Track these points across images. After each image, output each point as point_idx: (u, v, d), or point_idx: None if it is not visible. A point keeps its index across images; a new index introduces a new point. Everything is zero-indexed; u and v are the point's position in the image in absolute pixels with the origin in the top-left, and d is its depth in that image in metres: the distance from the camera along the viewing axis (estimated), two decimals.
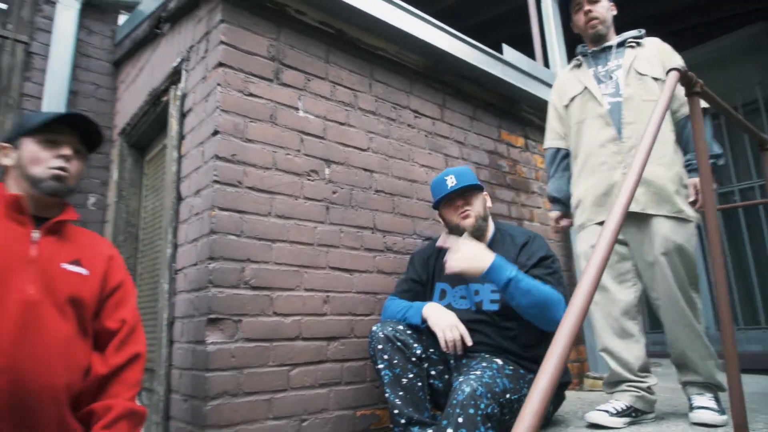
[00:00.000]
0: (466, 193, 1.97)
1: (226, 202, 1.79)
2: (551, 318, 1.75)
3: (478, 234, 1.98)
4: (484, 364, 1.72)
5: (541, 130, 3.24)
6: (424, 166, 2.48)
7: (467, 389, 1.56)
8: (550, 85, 3.15)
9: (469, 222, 1.96)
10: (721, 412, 1.81)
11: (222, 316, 1.72)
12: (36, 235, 1.31)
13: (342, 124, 2.18)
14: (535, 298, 1.75)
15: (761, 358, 3.68)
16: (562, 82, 2.31)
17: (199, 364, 1.69)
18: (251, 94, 1.92)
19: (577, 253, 2.29)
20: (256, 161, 1.89)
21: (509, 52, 2.93)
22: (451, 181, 1.95)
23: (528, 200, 3.02)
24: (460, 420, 1.52)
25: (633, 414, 1.93)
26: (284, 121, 1.99)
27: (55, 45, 2.83)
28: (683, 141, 2.05)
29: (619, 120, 2.02)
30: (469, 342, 1.82)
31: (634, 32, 2.15)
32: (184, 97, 2.08)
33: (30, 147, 1.34)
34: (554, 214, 2.32)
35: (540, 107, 3.19)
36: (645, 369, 1.99)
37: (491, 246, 1.99)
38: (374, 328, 1.90)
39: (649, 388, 1.97)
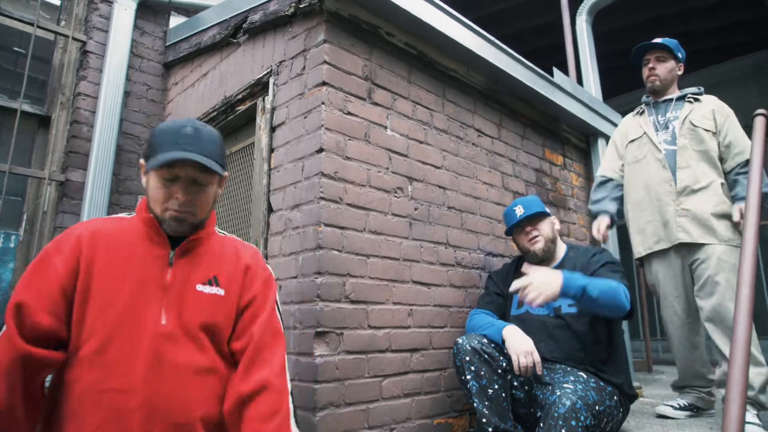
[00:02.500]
0: (534, 219, 2.14)
1: (330, 218, 1.85)
2: (619, 304, 1.88)
3: (547, 256, 2.14)
4: (572, 378, 1.84)
5: (576, 149, 3.41)
6: (486, 184, 2.58)
7: (568, 403, 1.67)
8: (586, 105, 3.30)
9: (538, 246, 2.14)
10: (764, 427, 1.99)
11: (328, 329, 1.78)
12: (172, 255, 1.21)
13: (421, 142, 2.26)
14: (605, 289, 1.86)
15: None
16: (625, 126, 2.63)
17: (307, 376, 1.74)
18: (349, 113, 1.98)
19: (652, 281, 2.50)
20: (354, 178, 1.95)
21: (558, 75, 3.06)
22: (519, 211, 2.15)
23: (566, 216, 3.16)
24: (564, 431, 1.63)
25: (694, 410, 2.34)
26: (376, 139, 2.06)
27: (112, 45, 2.81)
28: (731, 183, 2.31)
29: (674, 165, 2.33)
30: (540, 372, 1.88)
31: (694, 89, 2.45)
32: (273, 110, 2.12)
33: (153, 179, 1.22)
34: (605, 220, 2.50)
35: (576, 126, 3.34)
36: (708, 376, 2.35)
37: (563, 263, 2.14)
38: (460, 340, 2.00)
39: (709, 392, 2.34)
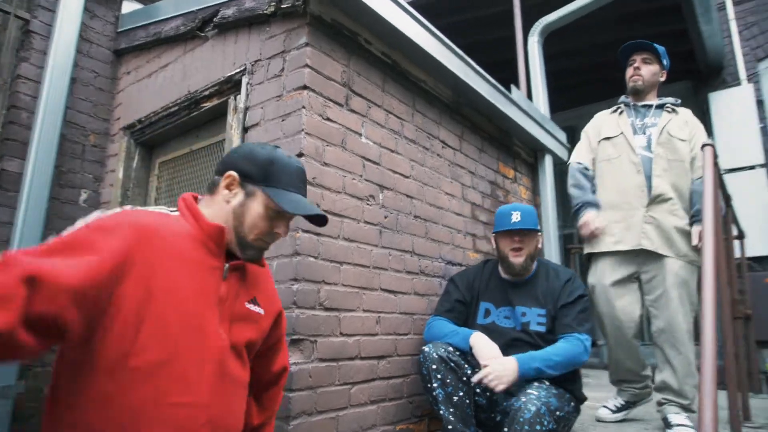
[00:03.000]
0: (524, 232, 2.18)
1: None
2: (576, 366, 2.04)
3: (522, 272, 2.21)
4: (536, 384, 1.93)
5: (525, 163, 3.56)
6: (448, 194, 2.64)
7: (533, 408, 1.76)
8: (537, 122, 3.46)
9: (518, 260, 2.19)
10: (696, 429, 2.19)
11: (302, 337, 1.76)
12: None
13: (392, 151, 2.28)
14: (562, 361, 1.98)
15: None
16: (599, 122, 2.66)
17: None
18: (328, 119, 1.97)
19: (594, 281, 2.53)
20: (330, 185, 1.94)
21: (515, 92, 3.19)
22: (515, 217, 2.16)
23: None
24: None
25: (631, 405, 2.51)
26: (351, 146, 2.06)
27: (59, 26, 2.60)
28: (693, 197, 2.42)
29: (649, 171, 2.39)
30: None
31: (672, 99, 2.54)
32: (246, 110, 2.07)
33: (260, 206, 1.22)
34: (593, 215, 2.49)
35: (527, 142, 3.49)
36: (642, 373, 2.49)
37: (534, 278, 2.23)
38: (426, 348, 2.04)
39: (644, 385, 2.49)
